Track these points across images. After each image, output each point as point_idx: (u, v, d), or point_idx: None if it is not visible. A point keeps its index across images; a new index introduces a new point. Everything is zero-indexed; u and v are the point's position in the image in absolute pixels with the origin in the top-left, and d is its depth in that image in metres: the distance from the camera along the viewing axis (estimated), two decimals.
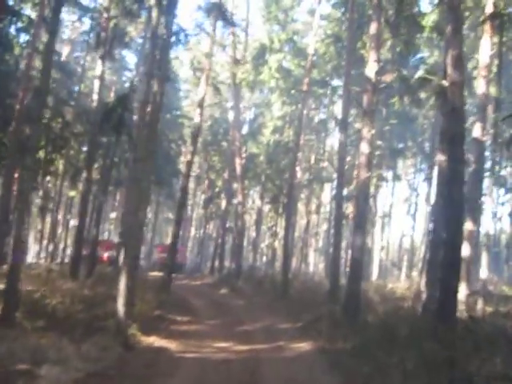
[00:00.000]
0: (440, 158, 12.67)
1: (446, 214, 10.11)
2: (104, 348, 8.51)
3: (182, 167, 54.71)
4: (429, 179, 41.36)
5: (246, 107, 33.85)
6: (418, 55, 25.34)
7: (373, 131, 13.11)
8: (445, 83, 10.40)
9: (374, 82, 12.88)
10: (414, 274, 28.20)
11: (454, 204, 9.70)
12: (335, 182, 41.38)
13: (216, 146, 39.72)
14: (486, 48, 15.05)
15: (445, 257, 9.64)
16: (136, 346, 9.46)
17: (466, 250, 13.19)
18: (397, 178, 41.48)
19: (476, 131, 15.20)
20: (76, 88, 31.47)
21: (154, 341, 10.14)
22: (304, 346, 10.53)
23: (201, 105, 18.15)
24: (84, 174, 21.43)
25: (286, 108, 30.01)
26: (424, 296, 13.00)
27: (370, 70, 12.93)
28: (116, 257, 36.27)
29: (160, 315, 13.09)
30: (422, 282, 17.57)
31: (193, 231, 61.01)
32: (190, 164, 17.78)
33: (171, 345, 9.91)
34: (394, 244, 54.50)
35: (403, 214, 50.54)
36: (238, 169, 25.29)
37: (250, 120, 33.41)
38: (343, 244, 40.70)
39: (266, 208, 53.80)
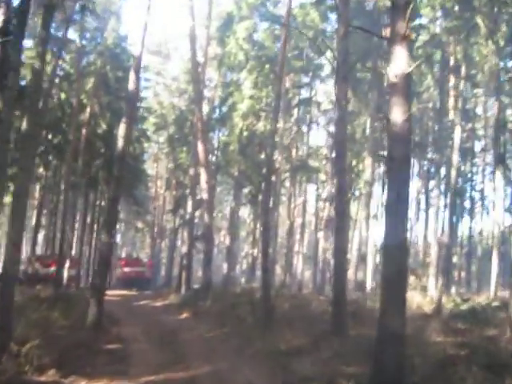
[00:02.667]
0: None
1: None
2: None
3: (148, 168, 49.71)
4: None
5: (212, 87, 28.80)
6: None
7: None
8: None
9: None
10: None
11: None
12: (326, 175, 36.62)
13: (183, 141, 34.57)
14: None
15: None
16: None
17: None
18: None
19: None
20: None
21: None
22: None
23: (136, 70, 12.99)
24: None
25: (258, 89, 24.97)
26: None
27: None
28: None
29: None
30: None
31: (167, 242, 55.40)
32: (126, 139, 12.56)
33: None
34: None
35: None
36: (202, 156, 20.09)
37: (218, 103, 28.16)
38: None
39: (244, 212, 48.85)
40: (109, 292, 30.78)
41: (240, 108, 24.81)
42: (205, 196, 19.80)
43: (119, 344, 10.96)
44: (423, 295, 21.30)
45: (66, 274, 24.39)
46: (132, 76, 12.83)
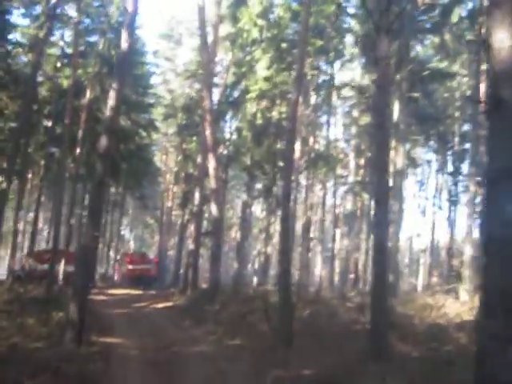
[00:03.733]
0: None
1: None
2: None
3: (157, 161, 47.52)
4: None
5: (223, 70, 26.42)
6: None
7: None
8: None
9: None
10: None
11: None
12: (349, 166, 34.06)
13: (192, 130, 32.33)
14: None
15: None
16: None
17: None
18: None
19: None
20: None
21: None
22: None
23: (129, 27, 10.70)
24: None
25: (273, 70, 22.47)
26: None
27: None
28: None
29: None
30: None
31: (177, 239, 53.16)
32: (116, 109, 10.26)
33: None
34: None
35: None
36: (209, 140, 17.73)
37: (230, 86, 25.69)
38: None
39: (257, 208, 46.43)
40: (111, 291, 28.84)
41: (254, 90, 22.38)
42: (213, 184, 17.44)
43: (101, 364, 8.66)
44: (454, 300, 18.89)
45: (61, 271, 22.25)
46: (124, 34, 10.54)
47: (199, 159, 21.72)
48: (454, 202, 34.22)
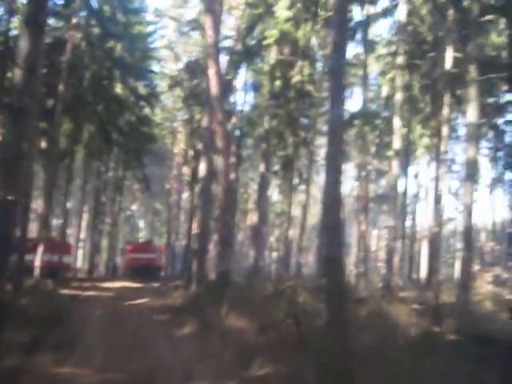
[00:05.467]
0: None
1: None
2: None
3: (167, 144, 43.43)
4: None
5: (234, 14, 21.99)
6: None
7: None
8: None
9: None
10: None
11: None
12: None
13: (199, 97, 28.11)
14: None
15: None
16: None
17: None
18: None
19: None
20: None
21: None
22: None
23: None
24: None
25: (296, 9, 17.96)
26: None
27: None
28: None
29: None
30: None
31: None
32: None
33: None
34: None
35: None
36: (214, 84, 13.26)
37: (243, 32, 21.09)
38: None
39: (273, 193, 42.19)
40: (106, 284, 24.89)
41: (272, 35, 17.96)
42: (220, 144, 13.11)
43: None
44: None
45: (38, 262, 18.30)
46: None
47: (204, 120, 17.45)
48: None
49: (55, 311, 11.76)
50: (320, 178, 38.41)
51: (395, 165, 18.91)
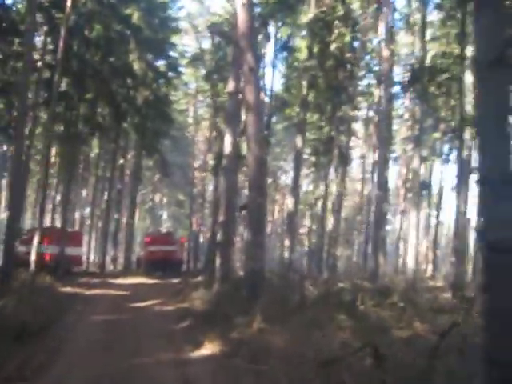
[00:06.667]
0: None
1: None
2: None
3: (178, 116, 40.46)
4: None
5: None
6: None
7: None
8: None
9: None
10: None
11: None
12: None
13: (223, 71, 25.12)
14: None
15: None
16: None
17: None
18: None
19: None
20: None
21: None
22: None
23: None
24: None
25: None
26: None
27: None
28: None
29: None
30: None
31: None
32: None
33: None
34: None
35: None
36: (242, 18, 10.10)
37: None
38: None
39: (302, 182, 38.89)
40: (119, 280, 22.13)
41: None
42: (249, 97, 9.87)
43: None
44: None
45: (33, 255, 15.56)
46: None
47: (230, 84, 14.39)
48: None
49: (35, 318, 8.92)
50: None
51: None
